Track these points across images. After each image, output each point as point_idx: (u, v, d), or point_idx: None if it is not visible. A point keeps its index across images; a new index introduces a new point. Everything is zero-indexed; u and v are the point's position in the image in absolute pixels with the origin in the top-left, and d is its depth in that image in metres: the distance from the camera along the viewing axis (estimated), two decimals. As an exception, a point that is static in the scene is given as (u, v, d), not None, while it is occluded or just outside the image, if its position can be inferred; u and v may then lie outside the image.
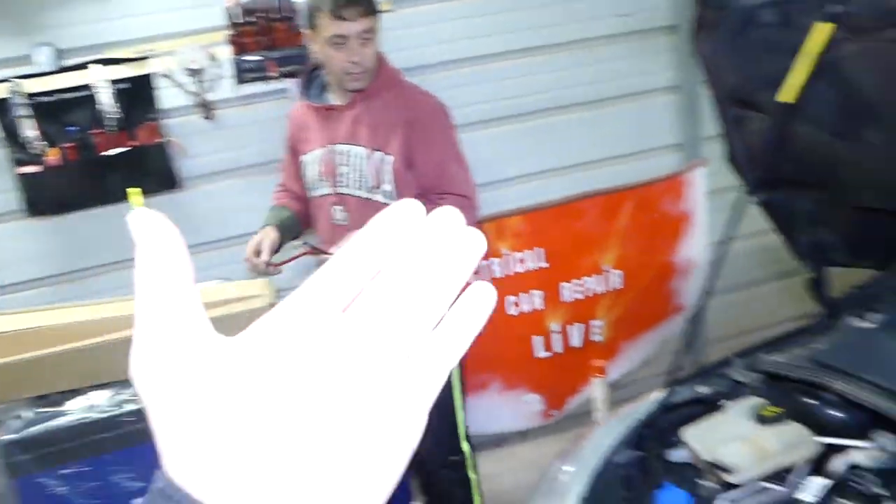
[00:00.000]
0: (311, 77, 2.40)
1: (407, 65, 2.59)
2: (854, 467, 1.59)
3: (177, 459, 0.32)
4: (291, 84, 2.81)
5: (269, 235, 2.33)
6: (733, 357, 1.93)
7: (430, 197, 2.25)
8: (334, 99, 2.33)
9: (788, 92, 1.10)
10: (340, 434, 0.33)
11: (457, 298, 0.37)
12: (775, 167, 1.54)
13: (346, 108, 2.28)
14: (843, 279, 1.97)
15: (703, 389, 1.86)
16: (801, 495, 1.48)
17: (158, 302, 0.35)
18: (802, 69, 1.05)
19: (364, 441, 0.33)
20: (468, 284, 0.38)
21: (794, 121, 1.27)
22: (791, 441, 1.64)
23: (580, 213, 2.99)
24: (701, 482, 1.70)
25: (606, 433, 1.83)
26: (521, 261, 2.97)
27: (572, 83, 3.22)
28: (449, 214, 0.38)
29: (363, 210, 2.28)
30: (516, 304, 3.02)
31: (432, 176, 2.28)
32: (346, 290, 0.36)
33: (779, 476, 1.63)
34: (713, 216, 3.23)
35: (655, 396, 1.89)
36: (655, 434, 1.84)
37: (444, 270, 0.37)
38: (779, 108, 1.15)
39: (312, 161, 2.35)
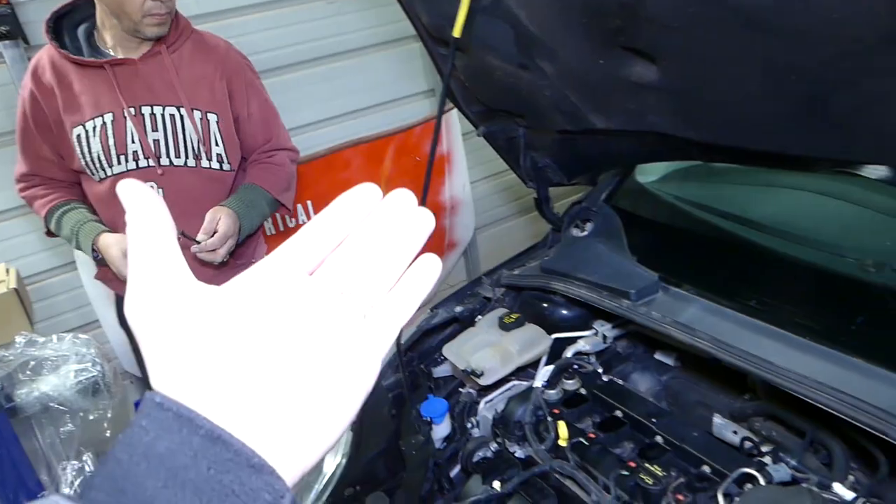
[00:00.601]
0: (62, 24, 1.88)
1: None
2: (579, 353, 1.86)
3: (169, 379, 0.39)
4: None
5: (120, 244, 1.87)
6: (483, 276, 2.14)
7: (260, 157, 2.10)
8: (119, 51, 1.88)
9: (457, 28, 1.24)
10: (303, 369, 0.40)
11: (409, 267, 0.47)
12: (483, 100, 1.71)
13: (142, 62, 1.87)
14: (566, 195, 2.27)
15: (459, 308, 2.05)
16: (536, 383, 1.71)
17: (150, 256, 0.42)
18: (464, 5, 1.19)
19: (324, 378, 0.40)
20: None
21: (483, 54, 1.43)
22: (530, 341, 1.87)
23: (345, 163, 3.07)
24: (462, 390, 1.90)
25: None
26: (293, 216, 2.99)
27: (324, 35, 3.25)
28: (403, 195, 0.48)
29: (191, 182, 1.96)
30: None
31: (260, 132, 2.07)
32: (313, 255, 0.44)
33: (526, 372, 1.87)
34: (471, 156, 3.48)
35: (418, 321, 2.05)
36: (420, 355, 2.01)
37: (398, 242, 0.46)
38: (453, 43, 1.29)
39: (94, 132, 1.85)
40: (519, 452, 1.65)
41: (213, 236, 1.89)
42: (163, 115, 1.89)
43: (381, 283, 0.46)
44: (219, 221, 1.91)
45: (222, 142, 1.98)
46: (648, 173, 2.09)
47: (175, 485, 0.35)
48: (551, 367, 1.77)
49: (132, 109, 1.87)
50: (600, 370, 1.79)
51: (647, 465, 1.37)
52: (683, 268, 1.72)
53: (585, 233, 2.05)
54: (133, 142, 1.88)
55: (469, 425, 1.83)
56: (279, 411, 0.39)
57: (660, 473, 1.34)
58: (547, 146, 1.86)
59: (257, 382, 0.39)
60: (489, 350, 1.84)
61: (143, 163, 1.91)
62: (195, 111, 1.92)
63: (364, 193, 0.48)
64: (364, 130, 3.20)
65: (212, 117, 1.95)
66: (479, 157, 3.54)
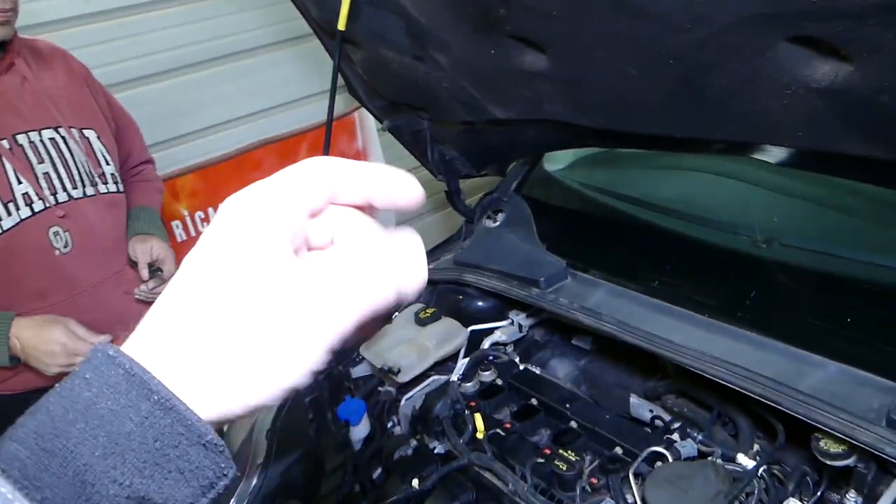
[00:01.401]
0: None
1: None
2: (496, 344, 1.87)
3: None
4: None
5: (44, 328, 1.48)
6: (398, 273, 2.12)
7: (130, 173, 1.93)
8: None
9: (341, 21, 1.22)
10: (258, 333, 0.38)
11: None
12: (384, 94, 1.69)
13: None
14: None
15: (375, 307, 2.02)
16: (453, 377, 1.70)
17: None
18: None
19: (274, 338, 0.39)
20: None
21: (376, 46, 1.40)
22: (446, 335, 1.87)
23: (256, 163, 2.99)
24: (381, 389, 1.87)
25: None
26: (204, 220, 2.90)
27: (229, 32, 3.15)
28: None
29: (94, 214, 1.68)
30: (209, 265, 2.95)
31: (124, 145, 1.86)
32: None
33: (445, 365, 1.86)
34: (389, 151, 3.45)
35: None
36: (337, 356, 1.97)
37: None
38: (339, 36, 1.27)
39: None
40: (439, 448, 1.64)
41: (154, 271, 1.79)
42: (42, 142, 1.57)
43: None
44: (154, 253, 1.81)
45: (111, 159, 1.74)
46: (556, 161, 2.11)
47: (114, 454, 0.31)
48: (468, 359, 1.77)
49: (5, 142, 1.52)
50: (517, 359, 1.80)
51: (561, 451, 1.38)
52: (590, 253, 1.74)
53: (497, 223, 2.06)
54: (20, 182, 1.53)
55: (390, 424, 1.81)
56: (224, 365, 0.38)
57: (573, 458, 1.35)
58: (453, 138, 1.85)
59: (215, 347, 0.38)
60: (406, 346, 1.82)
61: (38, 206, 1.56)
62: (72, 129, 1.65)
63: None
64: (275, 129, 3.13)
65: (90, 133, 1.69)
66: (396, 152, 3.50)
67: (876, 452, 1.07)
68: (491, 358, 1.76)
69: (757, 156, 1.40)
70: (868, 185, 1.36)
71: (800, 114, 1.01)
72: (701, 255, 1.54)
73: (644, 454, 1.30)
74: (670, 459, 1.31)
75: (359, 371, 1.98)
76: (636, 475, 1.28)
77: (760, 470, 1.25)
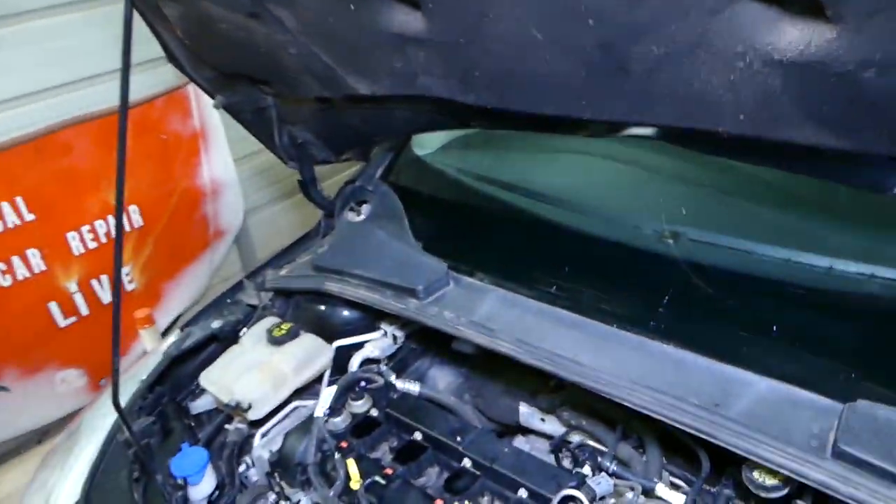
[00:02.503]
0: None
1: None
2: (368, 361, 1.59)
3: None
4: None
5: None
6: (244, 279, 1.77)
7: None
8: None
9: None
10: None
11: None
12: (213, 62, 1.33)
13: None
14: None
15: (217, 323, 1.67)
16: (317, 411, 1.41)
17: None
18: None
19: None
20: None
21: (198, 0, 1.05)
22: (307, 355, 1.56)
23: (65, 147, 2.46)
24: (229, 426, 1.54)
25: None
26: (-1, 218, 2.35)
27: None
28: None
29: None
30: (6, 272, 2.41)
31: None
32: None
33: (312, 389, 1.55)
34: (234, 129, 3.01)
35: (165, 347, 1.63)
36: (171, 389, 1.60)
37: None
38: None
39: None
40: (304, 501, 1.34)
41: None
42: None
43: None
44: None
45: None
46: (426, 144, 1.84)
47: None
48: (334, 387, 1.47)
49: None
50: (392, 378, 1.53)
51: (456, 502, 1.14)
52: (473, 251, 1.50)
53: (362, 217, 1.77)
54: None
55: (243, 467, 1.48)
56: None
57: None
58: (305, 118, 1.53)
59: None
60: (257, 374, 1.49)
61: None
62: None
63: None
64: (90, 105, 2.59)
65: None
66: (243, 132, 3.08)
67: (825, 490, 0.92)
68: (363, 384, 1.48)
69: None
70: (781, 173, 1.22)
71: (748, 94, 0.81)
72: (601, 254, 1.35)
73: (555, 501, 1.09)
74: (585, 503, 1.10)
75: (200, 405, 1.62)
76: (549, 529, 1.07)
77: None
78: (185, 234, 2.95)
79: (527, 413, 1.54)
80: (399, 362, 1.71)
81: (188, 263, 3.01)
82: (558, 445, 1.32)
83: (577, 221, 1.39)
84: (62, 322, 2.64)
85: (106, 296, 2.74)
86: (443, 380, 1.77)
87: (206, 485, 1.36)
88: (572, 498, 1.11)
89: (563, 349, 1.18)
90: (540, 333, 1.23)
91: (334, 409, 1.39)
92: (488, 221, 1.55)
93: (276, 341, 1.56)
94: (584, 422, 1.39)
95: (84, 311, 2.68)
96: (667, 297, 1.21)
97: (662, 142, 1.11)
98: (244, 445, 1.51)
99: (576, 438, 1.38)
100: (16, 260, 2.43)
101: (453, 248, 1.51)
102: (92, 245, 2.63)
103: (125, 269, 2.76)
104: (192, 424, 1.60)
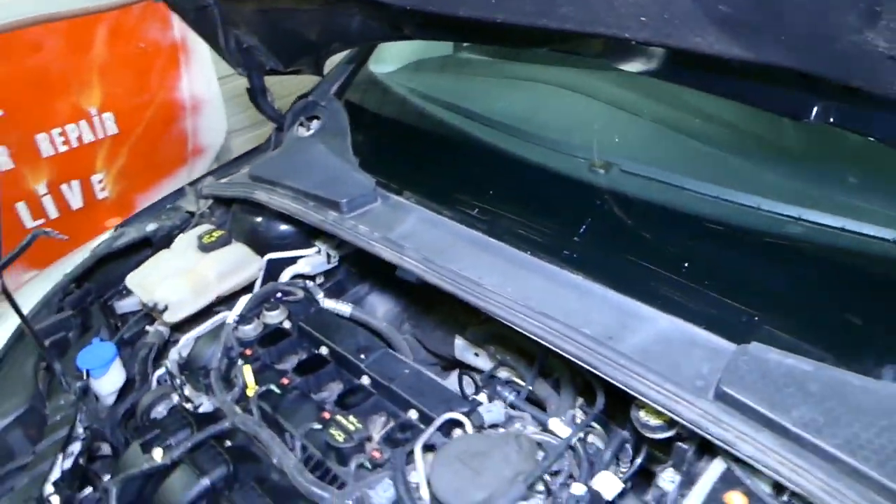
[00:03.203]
0: None
1: None
2: (298, 276, 1.55)
3: None
4: None
5: None
6: (185, 186, 1.73)
7: None
8: None
9: None
10: None
11: None
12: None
13: None
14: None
15: (153, 226, 1.64)
16: (229, 317, 1.37)
17: None
18: None
19: None
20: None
21: None
22: (234, 264, 1.53)
23: (34, 45, 2.41)
24: (150, 328, 1.52)
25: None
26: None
27: None
28: None
29: None
30: (-30, 168, 2.40)
31: None
32: None
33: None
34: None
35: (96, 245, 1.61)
36: (98, 287, 1.58)
37: None
38: None
39: None
40: (207, 405, 1.32)
41: None
42: None
43: None
44: None
45: None
46: (385, 63, 1.77)
47: None
48: (249, 297, 1.44)
49: None
50: (320, 296, 1.50)
51: (339, 417, 1.11)
52: (408, 171, 1.45)
53: (311, 132, 1.71)
54: None
55: (162, 370, 1.47)
56: None
57: (355, 427, 1.09)
58: (249, 21, 1.46)
59: None
60: (180, 278, 1.47)
61: None
62: None
63: None
64: (62, 5, 2.52)
65: None
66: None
67: (695, 430, 0.87)
68: (280, 296, 1.45)
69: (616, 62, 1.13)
70: (727, 109, 1.14)
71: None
72: (529, 179, 1.28)
73: (436, 423, 1.05)
74: (469, 429, 1.07)
75: (126, 306, 1.60)
76: (427, 448, 1.04)
77: (574, 439, 1.04)
78: (162, 147, 2.91)
79: (461, 346, 1.50)
80: (337, 284, 1.67)
81: (164, 177, 2.98)
82: (461, 373, 1.28)
83: (515, 147, 1.32)
84: (29, 223, 2.63)
85: (76, 201, 2.72)
86: (382, 307, 1.73)
87: (110, 380, 1.35)
88: (458, 422, 1.07)
89: (470, 271, 1.13)
90: (452, 254, 1.18)
91: (245, 318, 1.36)
92: (430, 143, 1.49)
93: (205, 248, 1.53)
94: (509, 357, 1.35)
95: (53, 214, 2.67)
96: (584, 227, 1.15)
97: (619, 71, 1.03)
98: (165, 349, 1.49)
99: (503, 374, 1.35)
100: (-18, 155, 2.41)
101: (390, 168, 1.46)
102: (62, 148, 2.60)
103: (98, 176, 2.74)
104: (118, 324, 1.59)
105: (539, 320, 1.01)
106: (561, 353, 0.99)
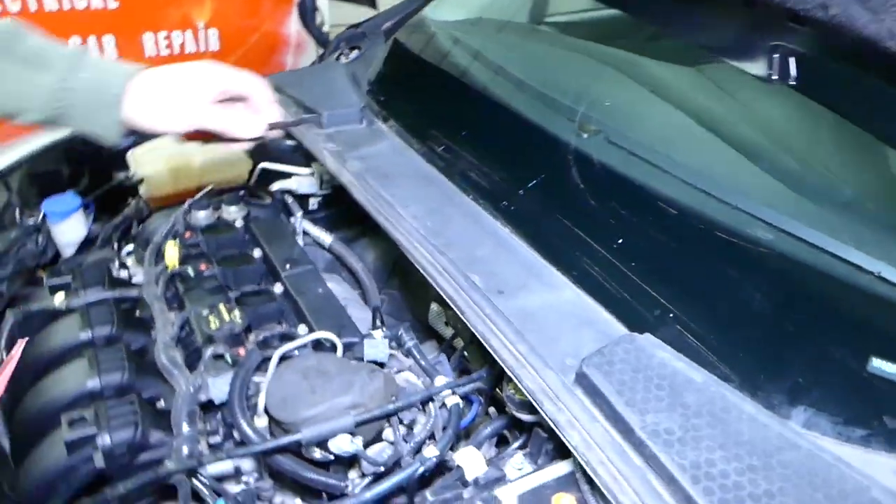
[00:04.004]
0: None
1: None
2: (286, 192, 1.52)
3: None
4: None
5: None
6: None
7: None
8: None
9: None
10: None
11: None
12: None
13: None
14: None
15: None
16: (189, 201, 1.35)
17: None
18: None
19: None
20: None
21: None
22: (225, 161, 1.52)
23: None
24: (132, 200, 1.54)
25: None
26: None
27: None
28: None
29: None
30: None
31: None
32: None
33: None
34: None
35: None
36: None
37: None
38: None
39: None
40: (138, 275, 1.31)
41: None
42: None
43: None
44: None
45: None
46: (444, 12, 1.70)
47: None
48: (217, 188, 1.42)
49: None
50: (299, 214, 1.44)
51: (223, 307, 1.05)
52: (411, 110, 1.37)
53: (347, 60, 1.68)
54: None
55: (131, 248, 1.47)
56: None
57: (228, 319, 1.03)
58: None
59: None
60: (167, 159, 1.48)
61: None
62: None
63: None
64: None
65: None
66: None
67: (528, 398, 0.73)
68: (243, 194, 1.41)
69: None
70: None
71: None
72: (512, 131, 1.17)
73: (305, 339, 0.97)
74: (339, 352, 0.98)
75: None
76: (283, 358, 0.96)
77: (444, 400, 0.93)
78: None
79: (435, 312, 1.41)
80: (332, 217, 1.62)
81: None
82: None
83: (518, 102, 1.21)
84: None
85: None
86: (371, 255, 1.67)
87: (67, 229, 1.37)
88: (323, 342, 0.99)
89: (400, 198, 1.04)
90: (395, 181, 1.10)
91: (201, 204, 1.34)
92: (447, 89, 1.39)
93: (205, 141, 1.53)
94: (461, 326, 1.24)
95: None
96: (535, 183, 1.03)
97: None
98: (139, 223, 1.50)
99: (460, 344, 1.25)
100: (92, 40, 2.58)
101: (400, 104, 1.39)
102: (164, 52, 2.74)
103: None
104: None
105: (432, 255, 0.91)
106: (441, 293, 0.88)
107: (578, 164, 1.03)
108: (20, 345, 0.88)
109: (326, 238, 1.47)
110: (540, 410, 0.72)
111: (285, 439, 0.83)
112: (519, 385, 0.75)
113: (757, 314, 0.80)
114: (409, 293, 1.55)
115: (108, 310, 1.13)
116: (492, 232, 0.98)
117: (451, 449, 0.91)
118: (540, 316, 0.84)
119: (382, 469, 0.87)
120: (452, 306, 0.86)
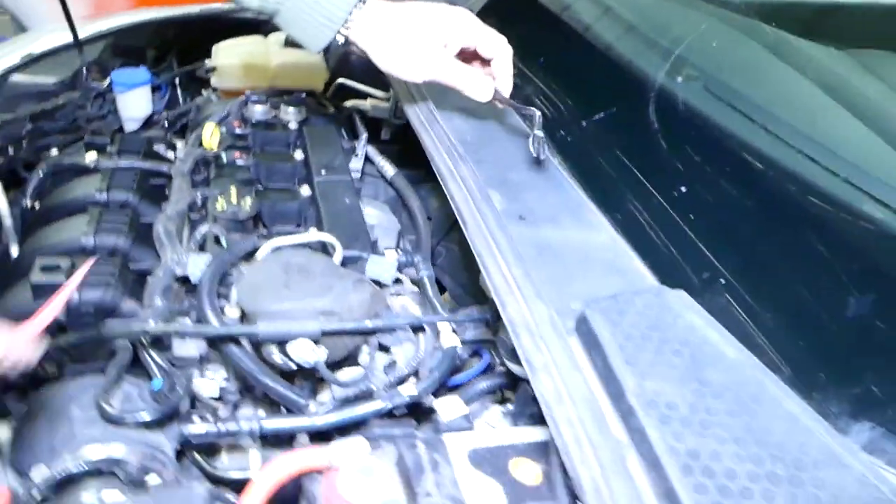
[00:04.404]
0: None
1: None
2: (360, 111, 1.43)
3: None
4: None
5: None
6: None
7: None
8: None
9: None
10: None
11: None
12: None
13: None
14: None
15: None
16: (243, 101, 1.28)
17: None
18: None
19: None
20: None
21: None
22: (302, 67, 1.45)
23: None
24: (204, 93, 1.51)
25: None
26: None
27: None
28: None
29: None
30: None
31: None
32: None
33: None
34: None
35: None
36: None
37: None
38: None
39: None
40: (181, 150, 1.25)
41: None
42: None
43: None
44: None
45: None
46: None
47: None
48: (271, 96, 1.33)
49: None
50: (364, 137, 1.33)
51: (235, 190, 0.97)
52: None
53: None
54: None
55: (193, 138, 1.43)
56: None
57: (235, 202, 0.95)
58: None
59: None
60: (244, 54, 1.43)
61: None
62: None
63: None
64: None
65: None
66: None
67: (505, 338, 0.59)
68: (303, 96, 1.31)
69: None
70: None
71: None
72: (586, 56, 1.00)
73: (299, 238, 0.86)
74: (337, 259, 0.86)
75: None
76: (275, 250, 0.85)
77: (434, 337, 0.79)
78: None
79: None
80: (402, 152, 1.51)
81: None
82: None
83: (604, 30, 1.04)
84: None
85: None
86: (436, 201, 1.55)
87: (131, 101, 1.34)
88: (328, 246, 0.88)
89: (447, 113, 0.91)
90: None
91: (260, 100, 1.26)
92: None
93: (286, 44, 1.47)
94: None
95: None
96: (603, 116, 0.86)
97: None
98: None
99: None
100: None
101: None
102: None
103: None
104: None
105: (455, 166, 0.77)
106: (450, 200, 0.74)
107: (660, 104, 0.85)
108: (87, 264, 0.83)
109: (390, 170, 1.35)
110: (516, 347, 0.57)
111: (239, 328, 0.73)
112: (501, 314, 0.60)
113: (839, 302, 0.61)
114: (466, 250, 1.42)
115: (132, 177, 1.08)
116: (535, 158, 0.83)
117: (435, 395, 0.78)
118: (560, 252, 0.69)
119: (351, 395, 0.75)
120: (458, 220, 0.72)
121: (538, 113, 0.77)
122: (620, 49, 1.00)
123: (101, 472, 0.64)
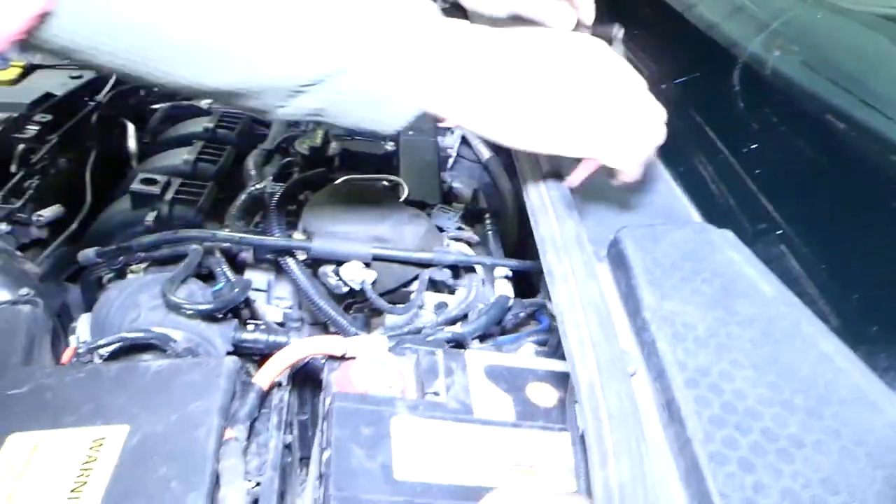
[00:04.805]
0: None
1: None
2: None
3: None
4: None
5: None
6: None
7: None
8: None
9: None
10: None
11: None
12: None
13: None
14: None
15: None
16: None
17: None
18: None
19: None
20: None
21: None
22: None
23: None
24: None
25: None
26: None
27: None
28: None
29: None
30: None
31: None
32: None
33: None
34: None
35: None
36: None
37: None
38: None
39: None
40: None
41: None
42: None
43: None
44: None
45: None
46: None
47: None
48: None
49: None
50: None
51: (320, 133, 1.03)
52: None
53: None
54: None
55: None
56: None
57: (319, 143, 1.00)
58: None
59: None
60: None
61: None
62: None
63: None
64: None
65: None
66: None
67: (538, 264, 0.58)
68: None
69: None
70: None
71: None
72: (676, 21, 0.97)
73: (377, 177, 0.90)
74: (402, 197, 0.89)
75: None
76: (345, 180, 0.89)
77: (489, 287, 0.80)
78: None
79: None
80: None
81: None
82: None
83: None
84: None
85: None
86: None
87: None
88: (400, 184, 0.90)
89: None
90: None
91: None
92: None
93: None
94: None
95: None
96: (684, 79, 0.84)
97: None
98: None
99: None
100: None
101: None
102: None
103: None
104: None
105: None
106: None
107: (746, 70, 0.82)
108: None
109: (485, 152, 1.37)
110: (542, 263, 0.56)
111: (294, 241, 0.77)
112: (535, 234, 0.60)
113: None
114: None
115: (238, 120, 1.16)
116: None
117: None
118: (606, 192, 0.68)
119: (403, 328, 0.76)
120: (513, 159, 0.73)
121: (622, 30, 0.75)
122: (711, 17, 0.96)
123: (155, 346, 0.69)
